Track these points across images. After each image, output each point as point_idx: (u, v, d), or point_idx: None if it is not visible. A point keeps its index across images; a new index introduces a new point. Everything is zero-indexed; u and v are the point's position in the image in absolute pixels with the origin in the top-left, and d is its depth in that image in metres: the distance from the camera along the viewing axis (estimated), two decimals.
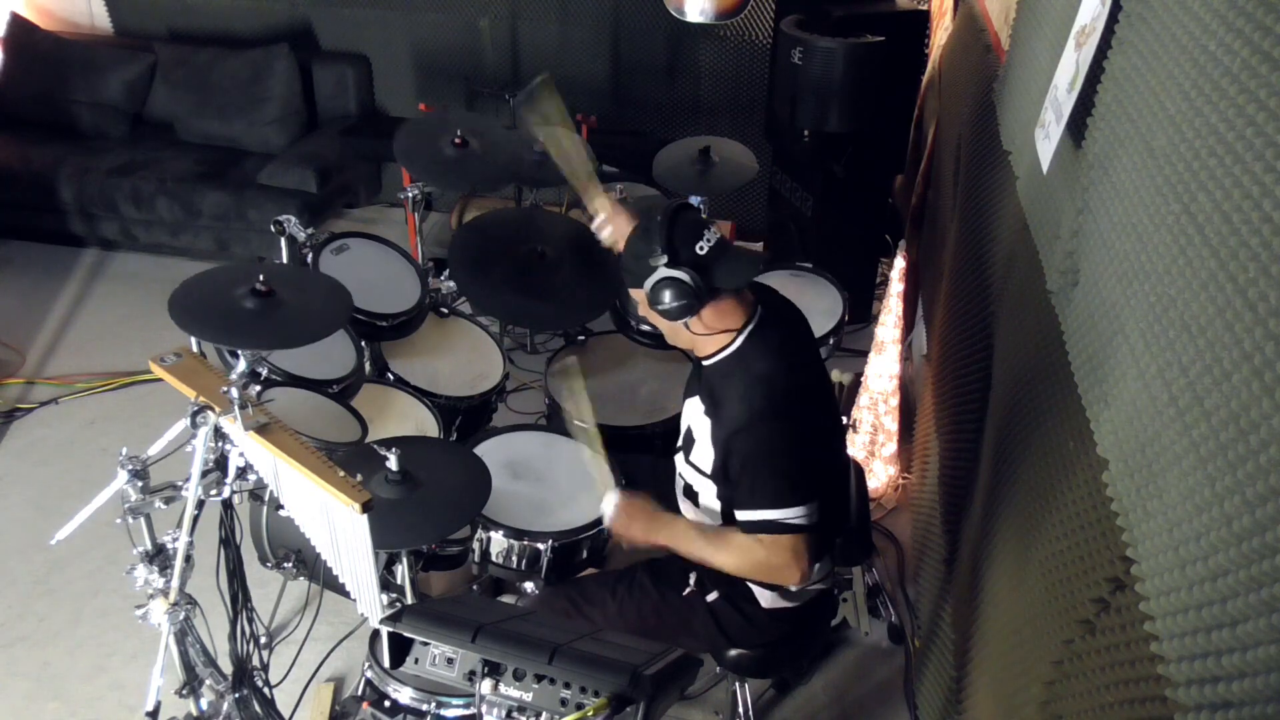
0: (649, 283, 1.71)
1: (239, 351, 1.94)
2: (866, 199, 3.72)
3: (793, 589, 1.88)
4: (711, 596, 1.91)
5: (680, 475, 1.94)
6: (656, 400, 2.61)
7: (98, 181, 4.26)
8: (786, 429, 1.72)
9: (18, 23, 4.68)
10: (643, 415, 2.55)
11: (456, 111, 4.53)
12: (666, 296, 1.70)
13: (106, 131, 4.62)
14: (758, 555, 1.73)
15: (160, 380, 1.66)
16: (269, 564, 2.25)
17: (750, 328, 1.78)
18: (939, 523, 2.33)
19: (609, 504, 1.90)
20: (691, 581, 1.92)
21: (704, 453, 1.81)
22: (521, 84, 4.46)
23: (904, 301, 3.22)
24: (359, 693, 1.84)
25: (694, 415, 1.87)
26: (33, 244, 4.53)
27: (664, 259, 1.68)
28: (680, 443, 1.94)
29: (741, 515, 1.74)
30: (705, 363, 1.84)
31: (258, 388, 2.06)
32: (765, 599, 1.89)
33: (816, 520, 1.72)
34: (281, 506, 2.02)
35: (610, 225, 2.10)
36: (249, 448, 1.62)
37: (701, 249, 1.70)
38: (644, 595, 1.93)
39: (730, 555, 1.77)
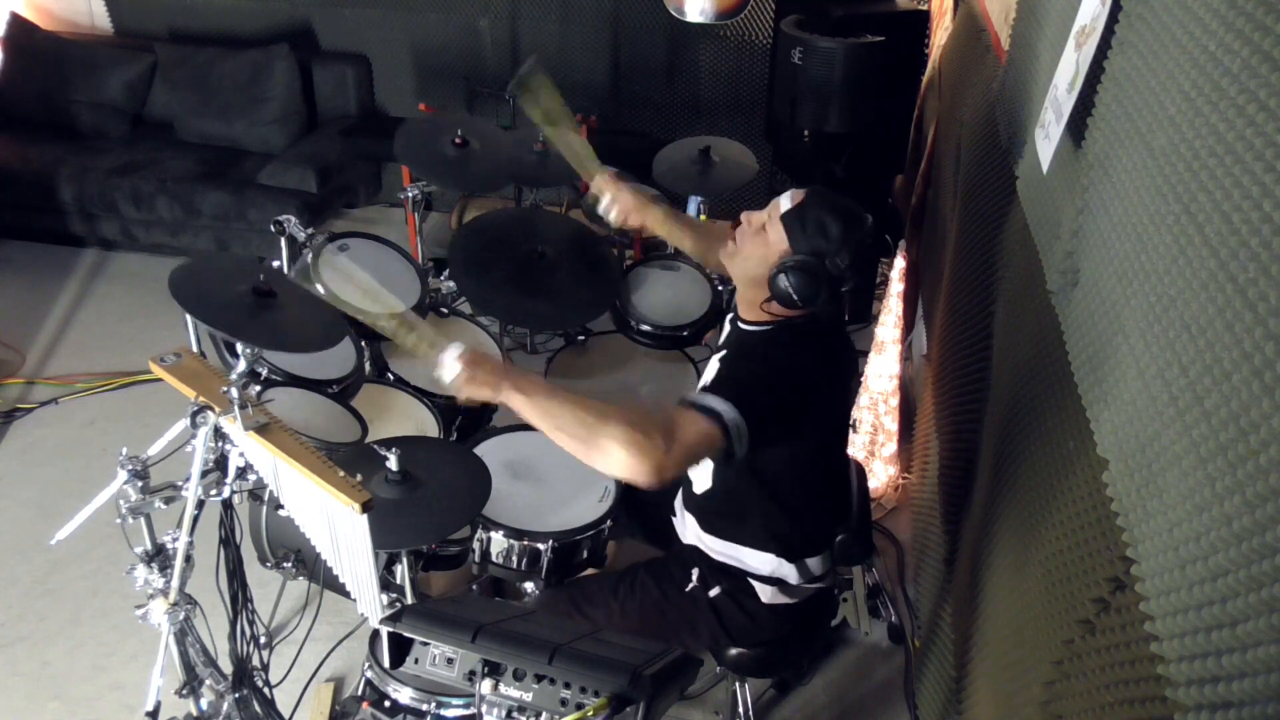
0: (798, 258, 1.65)
1: (239, 351, 1.94)
2: (866, 199, 3.72)
3: (793, 582, 1.88)
4: (714, 592, 1.91)
5: None
6: (656, 400, 2.62)
7: (98, 181, 4.26)
8: (782, 368, 1.69)
9: (18, 22, 4.68)
10: None
11: (457, 112, 4.53)
12: (793, 281, 1.65)
13: (106, 131, 4.62)
14: (644, 421, 1.47)
15: (160, 380, 1.66)
16: (269, 564, 2.25)
17: (800, 320, 1.77)
18: (939, 523, 2.33)
19: (449, 358, 1.53)
20: (694, 577, 1.92)
21: None
22: (521, 84, 4.47)
23: (904, 301, 3.22)
24: (359, 693, 1.84)
25: (714, 369, 1.86)
26: (32, 244, 4.53)
27: (839, 262, 1.65)
28: None
29: (691, 395, 1.61)
30: (743, 325, 1.83)
31: (257, 388, 2.06)
32: (766, 594, 1.90)
33: (737, 443, 1.53)
34: (281, 506, 2.03)
35: (616, 204, 2.10)
36: (249, 448, 1.62)
37: (849, 285, 1.68)
38: (645, 594, 1.93)
39: (607, 416, 1.47)
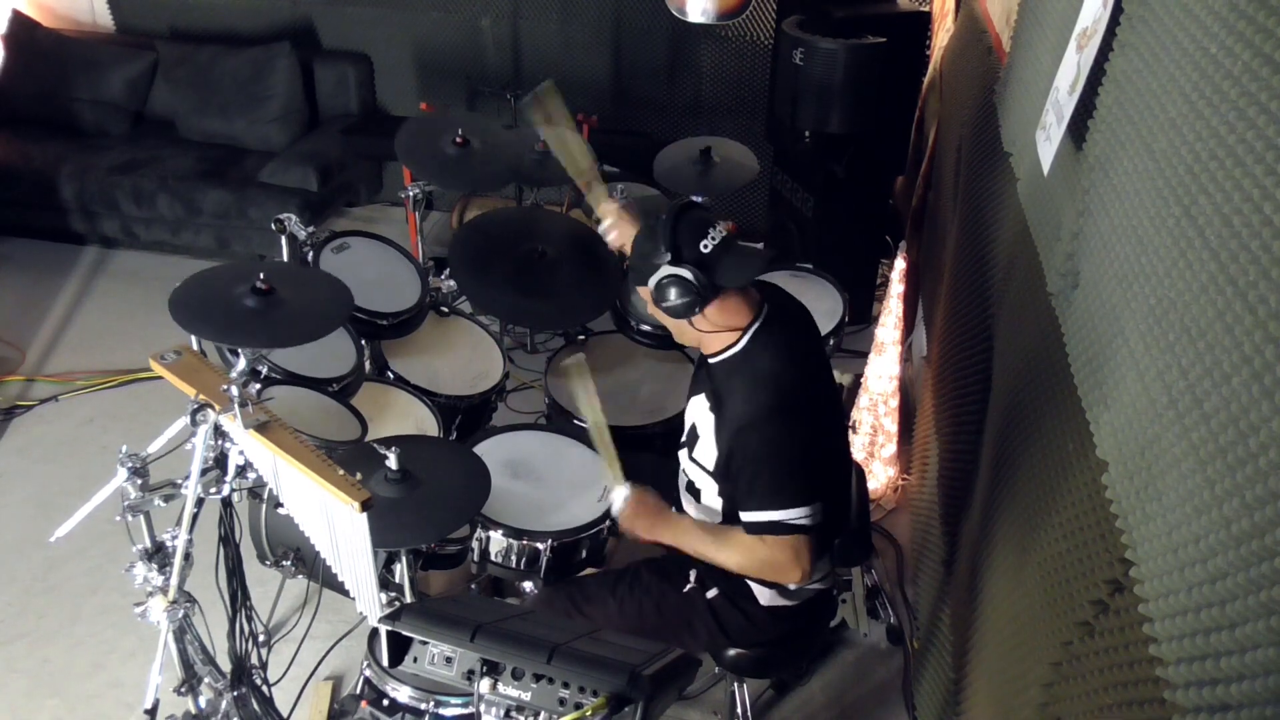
0: (653, 280, 1.72)
1: (239, 350, 1.94)
2: (867, 200, 3.72)
3: (792, 588, 1.88)
4: (711, 593, 1.91)
5: (684, 472, 1.95)
6: (656, 400, 2.61)
7: (98, 179, 4.26)
8: (790, 428, 1.72)
9: (19, 20, 4.68)
10: (643, 415, 2.55)
11: (458, 111, 4.53)
12: (671, 294, 1.71)
13: (108, 129, 4.62)
14: (760, 554, 1.74)
15: (160, 378, 1.66)
16: (268, 562, 2.25)
17: (756, 326, 1.78)
18: (938, 524, 2.33)
19: (619, 497, 1.92)
20: (691, 578, 1.93)
21: (707, 450, 1.81)
22: (523, 84, 4.46)
23: (904, 303, 3.22)
24: (358, 691, 1.84)
25: (698, 412, 1.87)
26: (33, 241, 4.53)
27: (668, 257, 1.70)
28: (684, 439, 1.95)
29: (746, 516, 1.75)
30: (711, 360, 1.84)
31: (257, 386, 2.06)
32: (764, 597, 1.90)
33: (820, 520, 1.72)
34: (281, 505, 2.03)
35: (616, 229, 2.13)
36: (249, 446, 1.62)
37: (705, 247, 1.71)
38: (645, 593, 1.93)
39: (734, 554, 1.79)
